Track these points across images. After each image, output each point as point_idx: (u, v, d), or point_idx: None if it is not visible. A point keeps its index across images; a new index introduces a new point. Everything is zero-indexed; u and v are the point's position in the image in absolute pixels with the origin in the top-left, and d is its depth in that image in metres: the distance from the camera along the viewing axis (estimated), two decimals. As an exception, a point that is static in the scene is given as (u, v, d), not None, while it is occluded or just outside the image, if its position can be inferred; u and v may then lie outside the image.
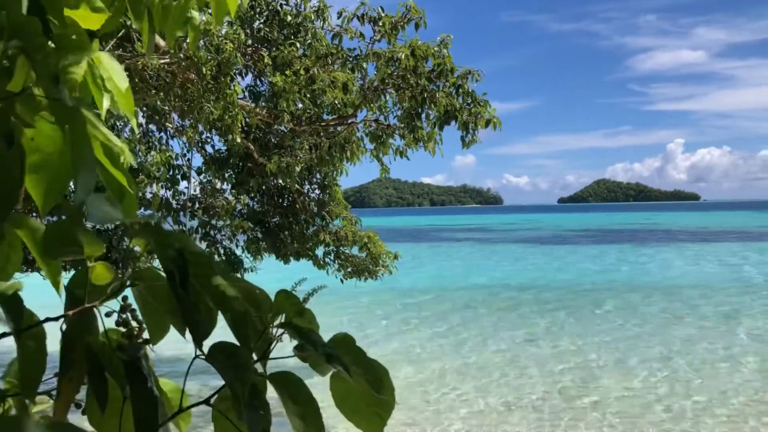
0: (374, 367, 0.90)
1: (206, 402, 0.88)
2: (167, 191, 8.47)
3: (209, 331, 0.83)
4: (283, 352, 0.91)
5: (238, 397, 0.79)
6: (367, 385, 0.89)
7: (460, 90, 6.24)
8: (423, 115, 6.61)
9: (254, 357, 0.85)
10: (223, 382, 0.81)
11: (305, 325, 0.90)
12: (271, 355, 0.91)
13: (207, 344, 0.81)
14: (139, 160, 7.45)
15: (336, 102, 6.99)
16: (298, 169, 6.63)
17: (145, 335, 0.92)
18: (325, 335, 0.89)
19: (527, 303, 19.78)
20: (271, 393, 0.86)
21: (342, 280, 9.61)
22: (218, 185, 9.25)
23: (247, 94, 8.96)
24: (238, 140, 6.20)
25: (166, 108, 7.10)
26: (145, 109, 7.60)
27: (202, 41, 5.96)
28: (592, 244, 48.52)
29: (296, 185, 8.67)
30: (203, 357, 0.83)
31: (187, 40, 6.20)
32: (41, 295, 1.70)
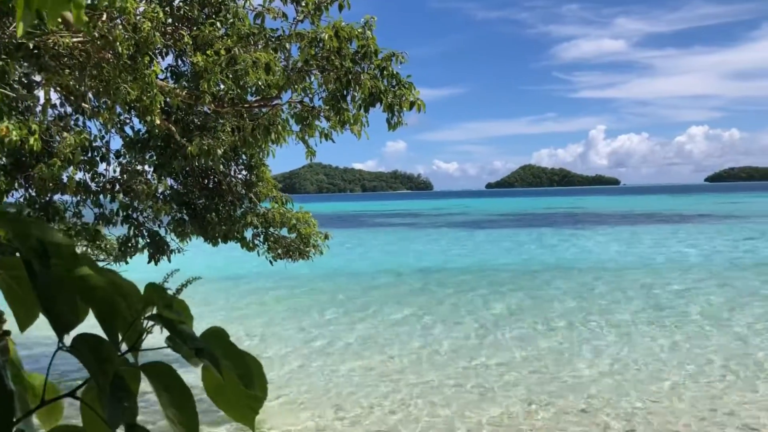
0: (246, 362, 0.90)
1: (71, 394, 0.86)
2: (85, 174, 8.18)
3: (73, 322, 0.81)
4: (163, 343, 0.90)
5: (101, 388, 0.79)
6: (238, 380, 0.90)
7: (385, 72, 6.28)
8: (348, 98, 6.62)
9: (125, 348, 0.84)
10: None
11: (174, 318, 0.90)
12: (146, 346, 0.90)
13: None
14: (54, 142, 7.16)
15: (260, 83, 6.91)
16: (220, 151, 6.54)
17: (7, 325, 0.89)
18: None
19: (456, 284, 20.16)
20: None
21: (271, 262, 9.54)
22: (139, 167, 9.00)
23: (168, 74, 8.74)
24: (158, 121, 6.06)
25: (82, 88, 6.85)
26: (59, 89, 7.30)
27: (118, 20, 5.77)
28: (517, 228, 49.81)
29: (221, 166, 8.55)
30: (66, 349, 0.81)
31: (103, 18, 5.98)
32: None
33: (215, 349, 0.88)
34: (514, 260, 27.17)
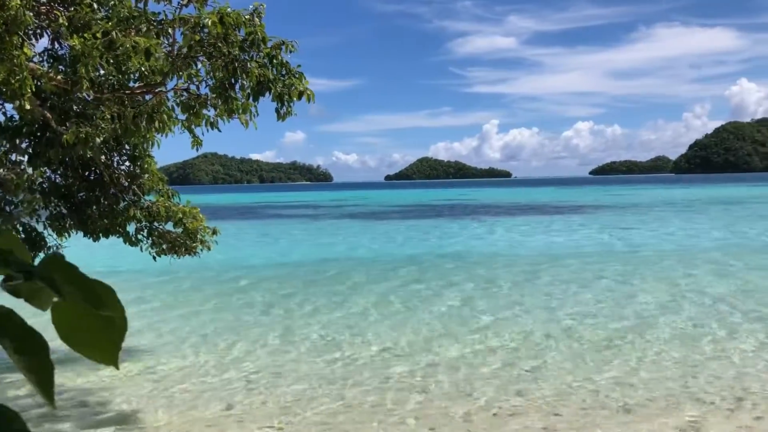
0: (92, 286, 0.80)
1: None
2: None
3: None
4: None
5: None
6: (88, 306, 0.80)
7: (274, 61, 6.18)
8: (237, 86, 6.47)
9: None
10: None
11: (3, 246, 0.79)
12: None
13: None
14: None
15: (143, 69, 6.62)
16: (99, 140, 6.21)
17: None
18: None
19: (356, 275, 20.24)
20: None
21: (155, 258, 9.19)
22: (12, 156, 8.42)
23: (45, 57, 8.21)
24: (28, 107, 5.68)
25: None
26: None
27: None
28: (415, 219, 50.72)
29: (102, 157, 8.14)
30: None
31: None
32: None
33: (55, 275, 0.77)
34: (412, 250, 27.61)
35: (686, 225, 37.53)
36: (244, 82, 6.20)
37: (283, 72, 6.19)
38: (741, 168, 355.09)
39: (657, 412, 7.85)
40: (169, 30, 6.13)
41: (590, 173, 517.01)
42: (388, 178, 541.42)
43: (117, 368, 0.86)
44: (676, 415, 7.74)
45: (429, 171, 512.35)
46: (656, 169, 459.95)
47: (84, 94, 6.89)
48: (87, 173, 8.86)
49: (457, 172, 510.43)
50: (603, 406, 8.11)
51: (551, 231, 36.03)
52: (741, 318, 12.95)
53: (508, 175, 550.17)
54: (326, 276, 20.43)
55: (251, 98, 6.26)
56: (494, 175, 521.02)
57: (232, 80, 6.24)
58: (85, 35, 5.77)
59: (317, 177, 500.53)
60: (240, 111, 6.41)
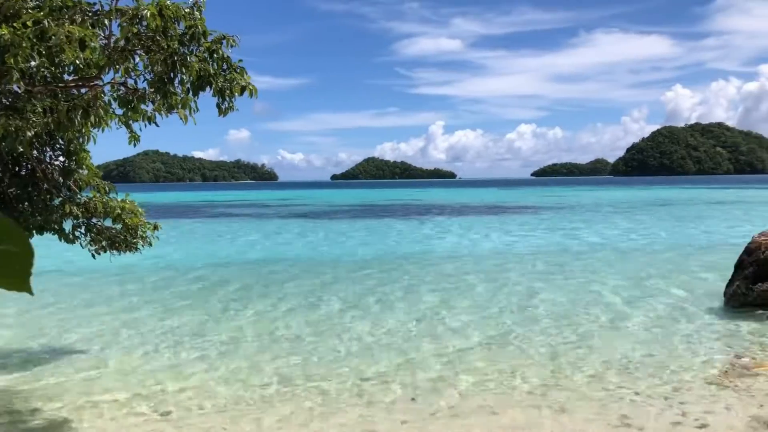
0: None
1: None
2: None
3: None
4: None
5: None
6: None
7: (215, 55, 6.07)
8: (177, 81, 6.33)
9: None
10: None
11: None
12: None
13: None
14: None
15: (78, 62, 6.40)
16: (30, 134, 5.97)
17: None
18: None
19: (296, 277, 20.10)
20: None
21: (94, 255, 8.92)
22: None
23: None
24: (-48, 97, 5.40)
25: None
26: None
27: None
28: (360, 218, 50.76)
29: (35, 152, 7.83)
30: None
31: None
32: None
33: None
34: (362, 250, 27.62)
35: (626, 224, 38.72)
36: (184, 77, 6.07)
37: (225, 67, 6.09)
38: (675, 171, 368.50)
39: (591, 414, 8.06)
40: (106, 21, 5.95)
41: (532, 175, 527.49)
42: (334, 177, 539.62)
43: (31, 294, 0.87)
44: (609, 414, 7.96)
45: (375, 171, 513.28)
46: (595, 171, 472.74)
47: (14, 86, 6.61)
48: (18, 168, 8.52)
49: (403, 173, 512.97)
50: (546, 406, 8.28)
51: (500, 230, 36.60)
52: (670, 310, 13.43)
53: (453, 175, 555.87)
54: (277, 276, 20.21)
55: (191, 93, 6.13)
56: (440, 176, 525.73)
57: (172, 75, 6.10)
58: (15, 24, 5.53)
59: (262, 176, 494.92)
60: (179, 106, 6.27)
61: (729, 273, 14.63)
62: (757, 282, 13.42)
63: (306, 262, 23.39)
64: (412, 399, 8.50)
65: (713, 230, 34.41)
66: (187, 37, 5.92)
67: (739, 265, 14.18)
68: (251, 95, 6.18)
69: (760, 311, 13.03)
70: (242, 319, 13.67)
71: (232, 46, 6.09)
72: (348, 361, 10.37)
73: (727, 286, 14.35)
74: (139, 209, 8.07)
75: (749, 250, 14.05)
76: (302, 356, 10.69)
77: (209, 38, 6.00)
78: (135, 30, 5.82)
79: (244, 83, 6.06)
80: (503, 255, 24.97)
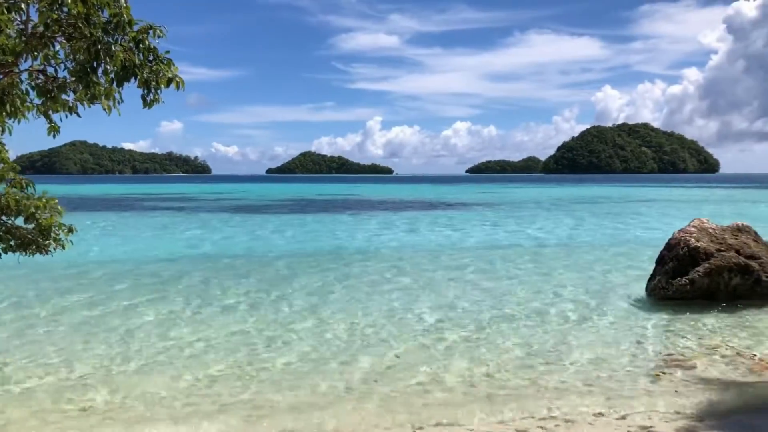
0: None
1: None
2: None
3: None
4: None
5: None
6: None
7: (141, 46, 5.87)
8: (100, 70, 6.08)
9: None
10: None
11: None
12: None
13: None
14: None
15: (-7, 47, 6.08)
16: (-61, 121, 5.63)
17: None
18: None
19: (223, 271, 19.77)
20: None
21: (-1, 255, 8.39)
22: None
23: None
24: None
25: None
26: None
27: None
28: (295, 213, 50.36)
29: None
30: None
31: None
32: None
33: None
34: (290, 245, 27.39)
35: (557, 221, 39.80)
36: (108, 66, 5.84)
37: (151, 58, 5.89)
38: (603, 169, 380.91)
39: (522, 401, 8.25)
40: (23, 5, 5.67)
41: (467, 171, 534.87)
42: (269, 171, 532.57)
43: None
44: (539, 404, 8.16)
45: (312, 165, 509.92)
46: (527, 168, 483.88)
47: None
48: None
49: (340, 168, 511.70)
50: (475, 398, 8.42)
51: (438, 225, 36.98)
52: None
53: (390, 171, 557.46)
54: (221, 271, 19.79)
55: (115, 83, 5.90)
56: (377, 171, 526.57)
57: (95, 64, 5.86)
58: (-77, 6, 5.20)
59: (195, 169, 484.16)
60: (103, 96, 6.03)
61: (651, 267, 15.24)
62: (677, 276, 14.03)
63: (246, 257, 23.00)
64: (346, 388, 8.50)
65: (638, 226, 35.78)
66: (112, 25, 5.70)
67: (660, 260, 14.79)
68: (178, 87, 6.00)
69: (679, 304, 13.64)
70: (191, 315, 13.34)
71: (159, 37, 5.89)
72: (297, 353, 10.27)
73: (649, 280, 14.94)
74: (59, 207, 7.67)
75: (669, 246, 14.67)
76: (251, 349, 10.53)
77: (135, 27, 5.79)
78: (55, 16, 5.56)
79: (170, 75, 5.87)
80: (431, 250, 25.26)
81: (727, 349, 10.62)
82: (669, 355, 10.41)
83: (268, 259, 22.52)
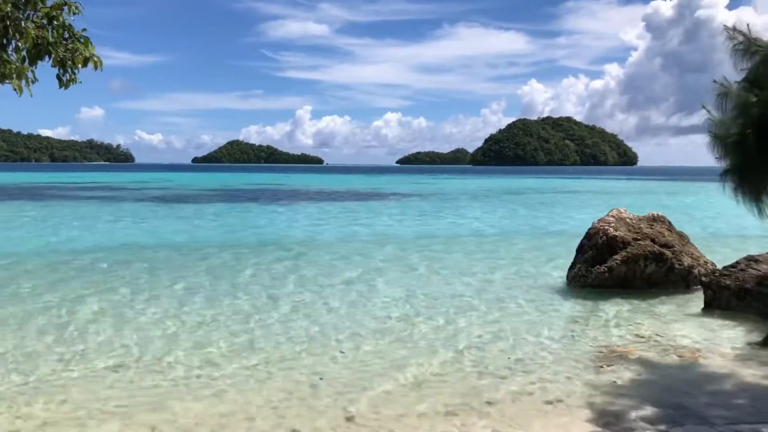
0: None
1: None
2: None
3: None
4: None
5: None
6: None
7: (54, 22, 5.60)
8: (11, 48, 5.78)
9: None
10: None
11: None
12: None
13: None
14: None
15: None
16: None
17: None
18: None
19: (142, 261, 19.23)
20: None
21: None
22: None
23: None
24: None
25: None
26: None
27: None
28: (222, 202, 49.46)
29: None
30: None
31: None
32: None
33: None
34: (222, 235, 26.88)
35: (485, 211, 40.59)
36: (19, 44, 5.55)
37: (66, 35, 5.63)
38: (528, 162, 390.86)
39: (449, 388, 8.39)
40: None
41: (397, 162, 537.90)
42: (195, 160, 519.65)
43: None
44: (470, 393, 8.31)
45: (240, 155, 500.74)
46: (456, 160, 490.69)
47: None
48: None
49: (269, 157, 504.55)
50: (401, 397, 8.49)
51: (364, 216, 37.04)
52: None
53: (320, 161, 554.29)
54: (131, 264, 19.17)
55: (27, 62, 5.62)
56: (307, 161, 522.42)
57: (4, 41, 5.56)
58: None
59: (117, 157, 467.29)
60: (14, 76, 5.73)
61: (572, 256, 15.75)
62: (596, 264, 14.56)
63: (180, 247, 22.38)
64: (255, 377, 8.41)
65: (560, 216, 36.94)
66: (22, 0, 5.42)
67: (580, 249, 15.31)
68: (96, 68, 5.76)
69: (599, 292, 14.17)
70: (137, 306, 12.87)
71: (74, 14, 5.64)
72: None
73: (570, 268, 15.45)
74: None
75: (589, 235, 15.20)
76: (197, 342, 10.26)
77: (48, 3, 5.53)
78: (-41, -12, 5.24)
79: (87, 54, 5.63)
80: (350, 241, 25.35)
81: (650, 336, 11.10)
82: (586, 340, 10.80)
83: (199, 250, 22.02)
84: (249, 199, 55.77)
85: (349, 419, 7.20)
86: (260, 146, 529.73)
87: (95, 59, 5.72)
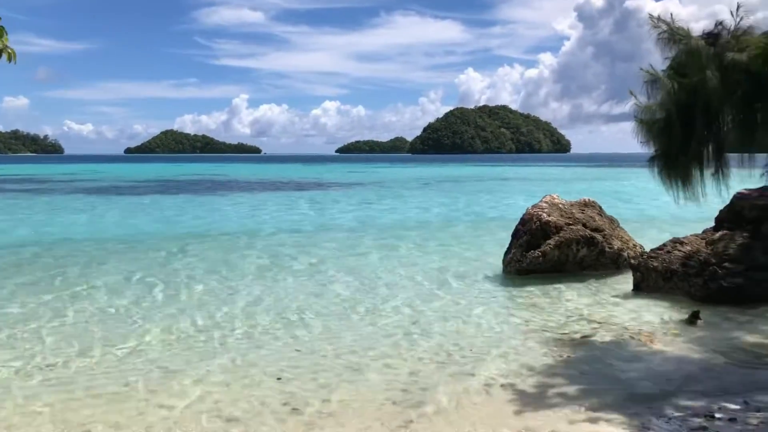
0: None
1: None
2: None
3: None
4: None
5: None
6: None
7: (-36, 5, 5.28)
8: None
9: None
10: None
11: None
12: None
13: None
14: None
15: None
16: None
17: None
18: None
19: (75, 256, 18.57)
20: None
21: None
22: None
23: None
24: None
25: None
26: None
27: None
28: (157, 194, 48.19)
29: None
30: None
31: None
32: None
33: None
34: (151, 228, 26.19)
35: (424, 198, 40.89)
36: (-77, 28, 5.18)
37: (-23, 20, 5.29)
38: (466, 150, 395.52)
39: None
40: None
41: (336, 151, 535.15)
42: (128, 151, 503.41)
43: None
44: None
45: (175, 145, 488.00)
46: (395, 148, 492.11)
47: None
48: None
49: (205, 147, 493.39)
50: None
51: (311, 205, 36.74)
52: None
53: (258, 150, 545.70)
54: (58, 259, 18.45)
55: (-66, 48, 5.25)
56: (244, 151, 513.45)
57: None
58: None
59: (45, 148, 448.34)
60: None
61: (508, 241, 16.04)
62: (530, 249, 14.86)
63: (117, 240, 21.66)
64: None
65: (496, 203, 37.58)
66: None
67: (515, 235, 15.61)
68: (9, 60, 5.43)
69: (535, 276, 14.49)
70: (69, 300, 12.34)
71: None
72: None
73: (505, 254, 15.73)
74: None
75: (523, 221, 15.51)
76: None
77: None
78: None
79: (0, 46, 5.31)
80: (289, 232, 25.18)
81: (582, 317, 11.42)
82: (523, 324, 11.03)
83: (135, 243, 21.40)
84: (187, 190, 54.54)
85: (295, 410, 7.13)
86: (195, 136, 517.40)
87: (9, 51, 5.38)
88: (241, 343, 9.87)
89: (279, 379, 8.16)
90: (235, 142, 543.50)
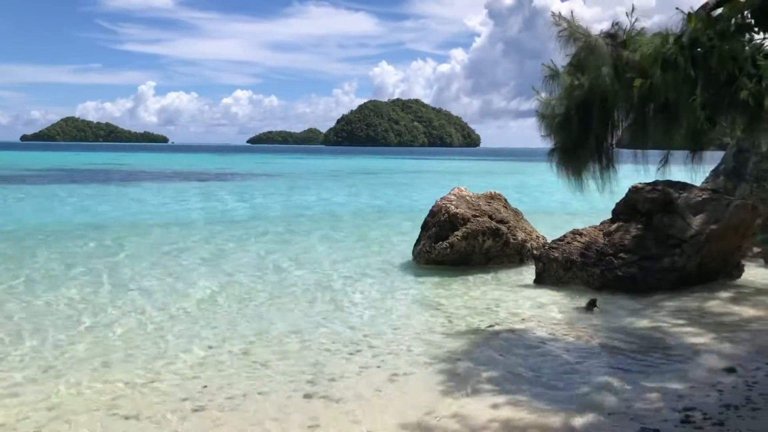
0: None
1: None
2: None
3: None
4: None
5: None
6: None
7: None
8: None
9: None
10: None
11: None
12: None
13: None
14: None
15: None
16: None
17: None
18: None
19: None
20: None
21: None
22: None
23: None
24: None
25: None
26: None
27: None
28: (55, 184, 45.74)
29: None
30: None
31: None
32: None
33: None
34: (48, 219, 24.82)
35: (335, 191, 40.81)
36: None
37: None
38: (380, 142, 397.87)
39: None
40: None
41: (248, 141, 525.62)
42: (24, 138, 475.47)
43: None
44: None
45: (76, 132, 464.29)
46: (309, 140, 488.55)
47: None
48: None
49: (108, 135, 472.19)
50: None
51: (206, 197, 35.84)
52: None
53: (165, 140, 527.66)
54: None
55: None
56: (150, 140, 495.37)
57: None
58: None
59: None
60: None
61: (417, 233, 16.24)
62: (439, 241, 15.10)
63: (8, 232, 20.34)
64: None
65: (407, 195, 38.02)
66: None
67: (425, 226, 15.82)
68: None
69: (444, 268, 14.74)
70: None
71: None
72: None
73: (415, 245, 15.92)
74: None
75: (433, 213, 15.73)
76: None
77: None
78: None
79: None
80: (188, 224, 24.61)
81: (487, 307, 11.69)
82: (435, 312, 11.20)
83: (28, 234, 20.22)
84: (90, 179, 52.03)
85: (197, 410, 6.94)
86: (99, 123, 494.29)
87: None
88: (138, 336, 9.51)
89: (182, 374, 7.92)
90: (141, 130, 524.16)
